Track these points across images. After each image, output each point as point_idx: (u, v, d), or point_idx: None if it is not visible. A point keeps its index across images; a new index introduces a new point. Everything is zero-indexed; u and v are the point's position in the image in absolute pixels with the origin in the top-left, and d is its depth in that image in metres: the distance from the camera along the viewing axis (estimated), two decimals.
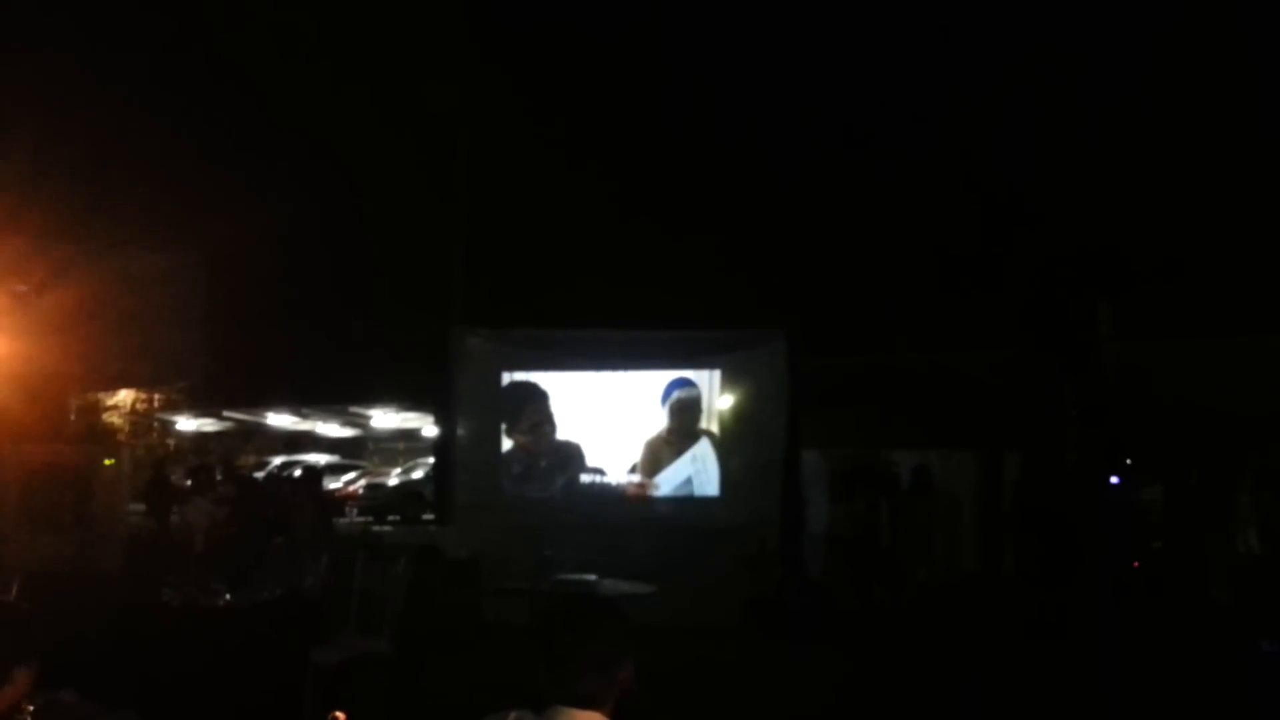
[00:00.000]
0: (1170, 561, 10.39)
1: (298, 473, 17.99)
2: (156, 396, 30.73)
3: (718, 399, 11.01)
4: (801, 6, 18.52)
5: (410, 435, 31.12)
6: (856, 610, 10.81)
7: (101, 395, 27.52)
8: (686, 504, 10.89)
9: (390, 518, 23.32)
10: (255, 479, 14.77)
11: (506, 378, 11.21)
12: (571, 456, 11.05)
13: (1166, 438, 12.03)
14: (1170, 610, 9.20)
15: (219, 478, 11.97)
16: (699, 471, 10.99)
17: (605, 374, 11.25)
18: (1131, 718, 6.75)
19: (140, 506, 14.55)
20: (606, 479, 11.01)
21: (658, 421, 11.03)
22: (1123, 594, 9.04)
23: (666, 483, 10.99)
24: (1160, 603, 9.42)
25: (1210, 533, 10.19)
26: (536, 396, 11.12)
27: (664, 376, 11.07)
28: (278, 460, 27.39)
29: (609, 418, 11.06)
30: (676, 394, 11.02)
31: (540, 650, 2.53)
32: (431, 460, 20.72)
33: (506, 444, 11.15)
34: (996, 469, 13.16)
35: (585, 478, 11.02)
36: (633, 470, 11.02)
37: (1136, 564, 10.00)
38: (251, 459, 28.79)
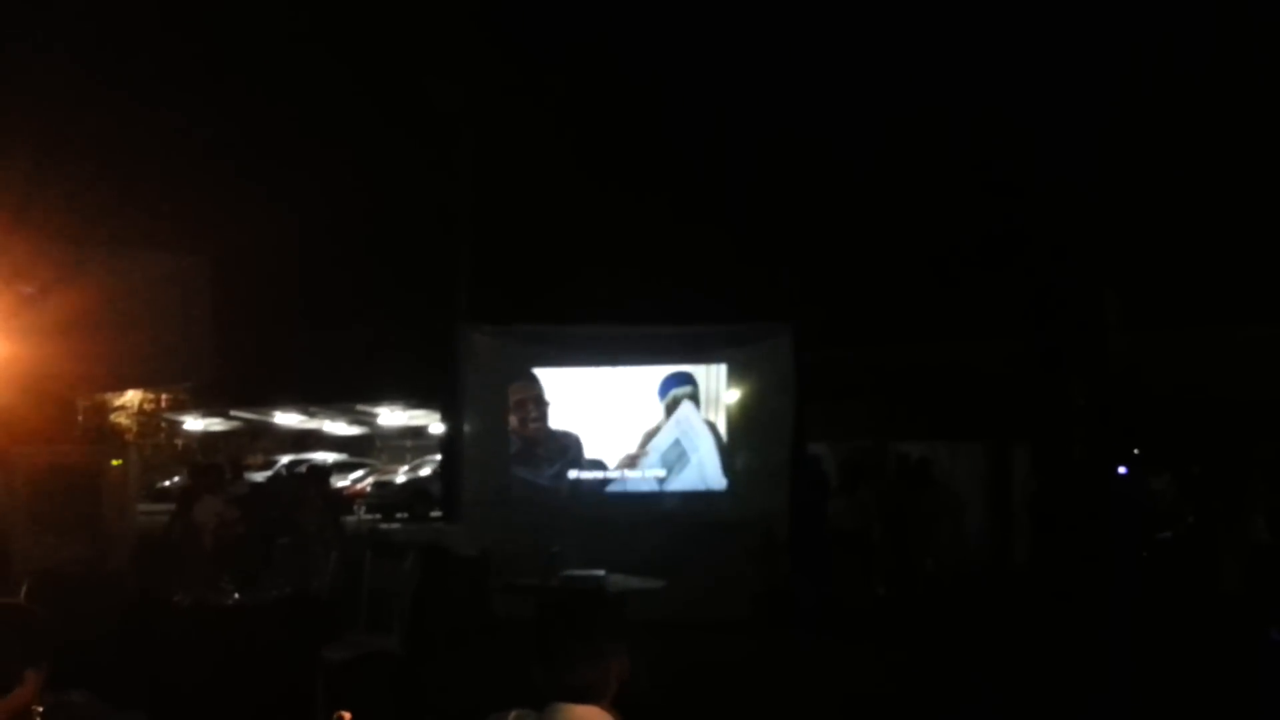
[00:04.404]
0: (1179, 551, 10.37)
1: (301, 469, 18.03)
2: (164, 396, 30.79)
3: (724, 393, 10.99)
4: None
5: (417, 432, 31.22)
6: (863, 603, 10.80)
7: (109, 396, 27.57)
8: (694, 498, 10.87)
9: (398, 515, 23.37)
10: (260, 483, 14.76)
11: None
12: (568, 447, 11.01)
13: (1174, 427, 12.00)
14: (1179, 600, 9.17)
15: (229, 476, 11.94)
16: (684, 434, 10.96)
17: (613, 369, 11.23)
18: (1142, 707, 6.74)
19: (149, 506, 14.56)
20: (610, 474, 10.98)
21: (659, 416, 11.01)
22: (1131, 584, 9.03)
23: (655, 450, 10.95)
24: (1169, 592, 9.39)
25: (1219, 522, 10.16)
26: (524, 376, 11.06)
27: (668, 371, 11.04)
28: (285, 459, 27.47)
29: (616, 413, 11.03)
30: (673, 392, 10.99)
31: (535, 645, 2.55)
32: (439, 457, 20.76)
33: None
34: (1004, 460, 13.15)
35: (587, 472, 10.98)
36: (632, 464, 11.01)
37: (1145, 554, 9.98)
38: (259, 458, 28.85)
